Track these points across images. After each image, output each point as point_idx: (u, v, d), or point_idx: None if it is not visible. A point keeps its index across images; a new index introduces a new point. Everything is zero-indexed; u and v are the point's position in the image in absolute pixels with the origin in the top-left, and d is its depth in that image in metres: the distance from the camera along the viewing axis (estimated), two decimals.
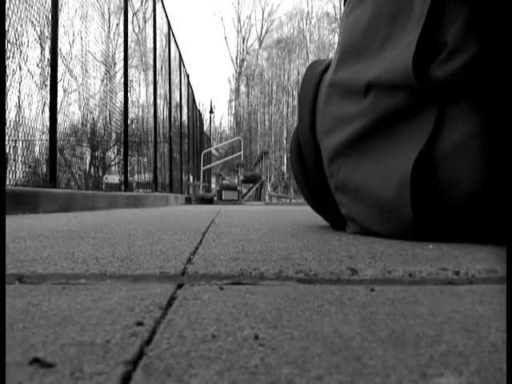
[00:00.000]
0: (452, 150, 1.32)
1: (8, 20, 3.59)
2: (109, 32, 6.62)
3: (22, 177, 3.99)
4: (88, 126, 5.89)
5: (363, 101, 1.49)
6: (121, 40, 7.06)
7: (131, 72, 7.47)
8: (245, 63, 36.23)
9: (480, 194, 1.31)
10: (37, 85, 4.22)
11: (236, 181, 12.72)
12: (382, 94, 1.44)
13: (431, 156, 1.34)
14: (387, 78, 1.42)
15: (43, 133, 4.30)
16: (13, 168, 3.89)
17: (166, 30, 10.71)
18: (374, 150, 1.48)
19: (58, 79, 4.43)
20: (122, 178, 6.82)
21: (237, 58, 36.59)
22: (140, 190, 8.05)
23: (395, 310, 0.61)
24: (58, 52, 4.41)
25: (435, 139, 1.33)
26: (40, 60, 4.33)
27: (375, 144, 1.48)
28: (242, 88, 36.25)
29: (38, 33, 4.28)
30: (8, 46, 3.69)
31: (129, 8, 7.24)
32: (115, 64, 6.71)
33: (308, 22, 34.03)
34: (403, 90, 1.39)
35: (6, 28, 3.55)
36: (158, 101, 9.50)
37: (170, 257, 1.07)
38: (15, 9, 3.72)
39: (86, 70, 5.59)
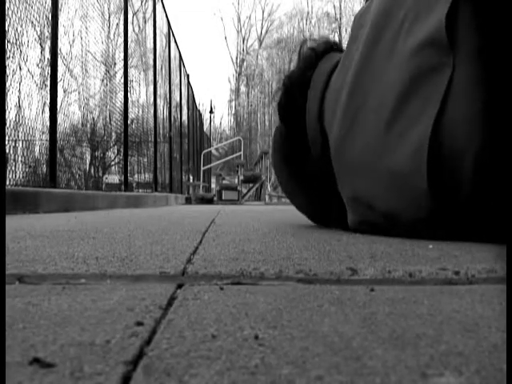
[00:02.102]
0: (457, 118, 1.32)
1: (8, 20, 3.59)
2: (109, 32, 6.62)
3: (22, 177, 3.99)
4: (88, 125, 5.89)
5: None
6: (121, 40, 7.06)
7: (131, 72, 7.47)
8: (245, 63, 36.20)
9: (481, 176, 1.31)
10: (37, 85, 4.22)
11: (236, 181, 12.73)
12: (407, 58, 1.44)
13: (440, 123, 1.33)
14: (419, 39, 1.42)
15: (43, 133, 4.30)
16: (13, 168, 3.89)
17: (166, 30, 10.72)
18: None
19: (58, 79, 4.43)
20: (122, 178, 6.82)
21: (237, 58, 36.57)
22: (140, 190, 8.05)
23: (395, 310, 0.61)
24: (58, 52, 4.41)
25: (445, 104, 1.33)
26: (40, 60, 4.33)
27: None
28: (242, 88, 36.22)
29: (38, 33, 4.28)
30: (8, 46, 3.69)
31: (129, 8, 7.24)
32: (115, 64, 6.71)
33: (308, 22, 34.00)
34: (429, 50, 1.39)
35: (6, 28, 3.55)
36: (158, 101, 9.51)
37: (170, 257, 1.07)
38: (15, 9, 3.72)
39: (86, 70, 5.59)
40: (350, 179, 1.65)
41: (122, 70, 6.97)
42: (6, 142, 3.59)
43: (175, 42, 12.15)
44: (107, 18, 6.53)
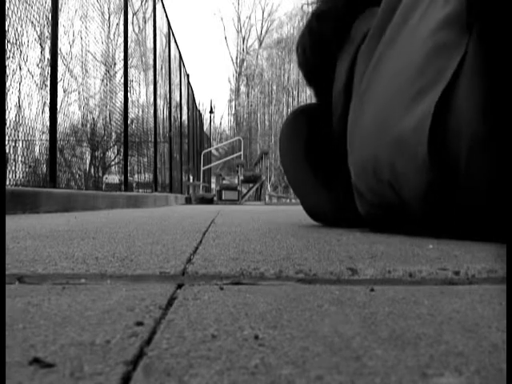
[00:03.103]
0: (463, 98, 1.35)
1: (8, 20, 3.58)
2: (109, 32, 6.63)
3: (22, 177, 3.99)
4: (88, 126, 5.89)
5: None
6: (121, 40, 7.06)
7: (131, 72, 7.47)
8: (245, 63, 36.20)
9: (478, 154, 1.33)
10: (37, 85, 4.22)
11: (236, 181, 12.73)
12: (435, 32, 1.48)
13: (450, 99, 1.37)
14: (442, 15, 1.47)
15: (43, 133, 4.30)
16: (13, 168, 3.89)
17: (165, 30, 10.71)
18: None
19: (58, 79, 4.43)
20: (122, 178, 6.82)
21: (237, 58, 36.56)
22: (140, 190, 8.05)
23: (395, 309, 0.61)
24: (58, 52, 4.41)
25: (456, 82, 1.37)
26: (40, 60, 4.33)
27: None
28: (242, 88, 36.20)
29: (38, 33, 4.28)
30: (8, 46, 3.69)
31: (129, 8, 7.24)
32: (115, 64, 6.71)
33: None
34: (448, 28, 1.43)
35: (6, 28, 3.55)
36: (158, 101, 9.50)
37: (170, 257, 1.07)
38: (15, 9, 3.72)
39: (85, 70, 5.59)
40: (359, 146, 1.69)
41: (122, 69, 6.97)
42: (6, 142, 3.59)
43: (175, 42, 12.15)
44: (107, 18, 6.54)
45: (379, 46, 1.71)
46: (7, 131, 3.61)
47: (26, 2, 3.89)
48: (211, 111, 31.14)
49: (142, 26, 8.47)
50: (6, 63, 3.61)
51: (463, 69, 1.36)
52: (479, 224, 1.39)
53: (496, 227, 1.33)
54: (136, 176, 8.01)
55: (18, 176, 3.94)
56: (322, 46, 2.07)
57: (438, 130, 1.37)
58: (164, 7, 10.25)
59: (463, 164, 1.35)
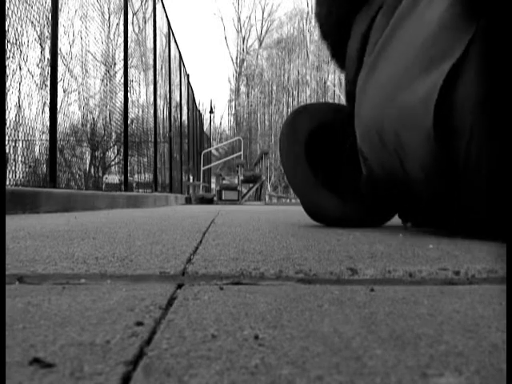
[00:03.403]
0: (469, 80, 1.38)
1: (8, 20, 3.58)
2: (109, 32, 6.63)
3: (22, 177, 3.99)
4: (88, 126, 5.89)
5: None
6: (121, 40, 7.06)
7: (131, 72, 7.47)
8: (245, 63, 36.20)
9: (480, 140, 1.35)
10: (37, 85, 4.22)
11: (236, 181, 12.73)
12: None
13: (455, 75, 1.40)
14: None
15: (43, 133, 4.29)
16: (13, 168, 3.89)
17: (165, 30, 10.71)
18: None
19: (58, 79, 4.43)
20: (122, 177, 6.82)
21: (237, 58, 36.56)
22: (140, 190, 8.05)
23: (395, 309, 0.61)
24: (58, 52, 4.41)
25: (463, 60, 1.40)
26: (40, 60, 4.33)
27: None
28: (242, 88, 36.20)
29: (38, 33, 4.28)
30: (8, 46, 3.69)
31: (129, 8, 7.24)
32: (115, 64, 6.71)
33: (308, 22, 33.97)
34: (454, 10, 1.46)
35: (6, 28, 3.55)
36: (158, 101, 9.50)
37: (170, 257, 1.07)
38: (15, 9, 3.72)
39: (86, 70, 5.59)
40: (366, 111, 1.72)
41: (122, 70, 6.97)
42: (6, 142, 3.59)
43: (175, 42, 12.15)
44: (107, 18, 6.53)
45: (392, 21, 1.74)
46: (7, 131, 3.61)
47: (26, 2, 3.89)
48: (211, 111, 31.14)
49: (142, 26, 8.47)
50: (6, 63, 3.61)
51: (471, 48, 1.38)
52: (480, 203, 1.41)
53: (496, 210, 1.35)
54: (136, 176, 8.01)
55: (18, 176, 3.94)
56: (338, 9, 2.11)
57: (443, 105, 1.40)
58: (164, 7, 10.25)
59: (466, 140, 1.38)
